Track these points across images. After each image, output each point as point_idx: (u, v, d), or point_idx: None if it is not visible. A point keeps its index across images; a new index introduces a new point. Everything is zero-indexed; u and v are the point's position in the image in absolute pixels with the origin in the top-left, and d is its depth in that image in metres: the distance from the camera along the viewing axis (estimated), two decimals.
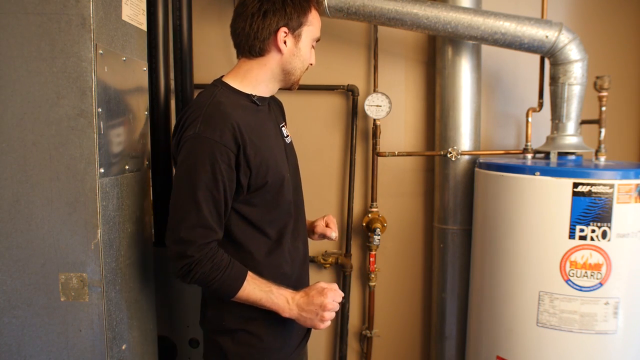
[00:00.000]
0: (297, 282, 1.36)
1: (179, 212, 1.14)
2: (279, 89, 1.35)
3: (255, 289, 1.18)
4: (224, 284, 1.15)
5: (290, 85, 1.32)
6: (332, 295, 1.21)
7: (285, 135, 1.39)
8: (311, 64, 1.32)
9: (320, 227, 1.50)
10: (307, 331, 1.44)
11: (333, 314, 1.23)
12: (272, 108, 1.38)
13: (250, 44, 1.23)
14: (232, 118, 1.15)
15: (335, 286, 1.24)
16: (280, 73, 1.27)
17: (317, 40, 1.31)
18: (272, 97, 1.42)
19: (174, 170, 1.65)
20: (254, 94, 1.27)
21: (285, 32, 1.22)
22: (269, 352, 1.29)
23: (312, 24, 1.27)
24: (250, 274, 1.19)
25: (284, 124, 1.42)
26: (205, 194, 1.13)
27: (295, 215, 1.34)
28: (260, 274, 1.22)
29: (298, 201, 1.39)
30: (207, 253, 1.14)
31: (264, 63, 1.25)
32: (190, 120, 1.16)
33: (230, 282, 1.16)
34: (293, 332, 1.33)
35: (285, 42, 1.23)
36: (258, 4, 1.21)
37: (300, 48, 1.25)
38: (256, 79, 1.27)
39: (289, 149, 1.38)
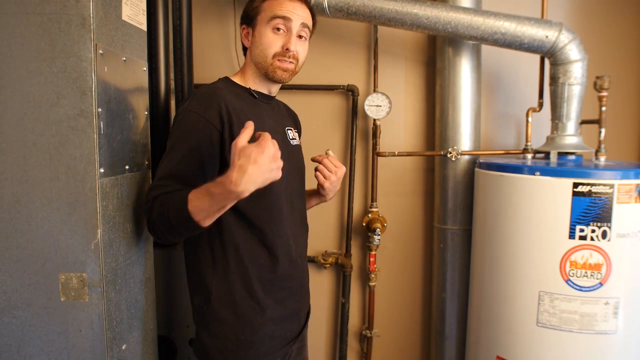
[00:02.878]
0: (285, 280, 1.32)
1: (157, 168, 1.21)
2: (268, 82, 1.34)
3: (200, 189, 1.08)
4: (174, 208, 1.09)
5: (268, 75, 1.30)
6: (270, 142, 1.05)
7: (291, 138, 1.42)
8: (287, 49, 1.27)
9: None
10: (298, 335, 1.38)
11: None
12: (280, 111, 1.45)
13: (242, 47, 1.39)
14: (221, 98, 1.22)
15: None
16: (253, 66, 1.34)
17: (280, 19, 1.27)
18: (285, 106, 1.52)
19: None
20: (253, 89, 1.34)
21: (244, 28, 1.35)
22: (247, 344, 1.26)
23: (264, 10, 1.30)
24: (190, 194, 1.09)
25: (290, 128, 1.45)
26: (176, 160, 1.17)
27: (288, 212, 1.33)
28: (242, 258, 1.25)
29: (294, 204, 1.37)
30: (154, 203, 1.14)
31: (246, 62, 1.38)
32: (185, 100, 1.28)
33: (175, 203, 1.09)
34: (280, 328, 1.30)
35: (248, 38, 1.34)
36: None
37: (255, 36, 1.31)
38: (247, 76, 1.37)
39: (292, 151, 1.39)
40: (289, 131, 1.42)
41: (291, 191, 1.35)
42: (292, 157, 1.37)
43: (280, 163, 1.06)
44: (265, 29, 1.29)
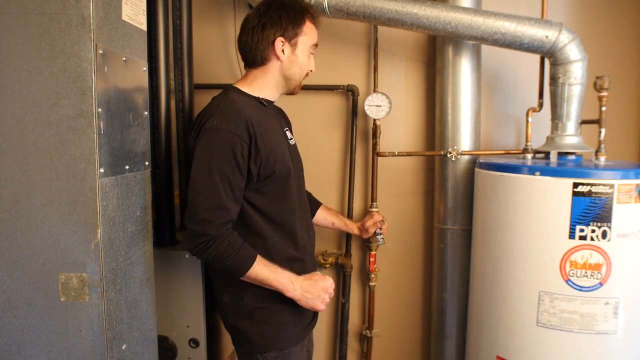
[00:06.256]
0: (308, 269, 1.48)
1: (199, 195, 1.27)
2: (283, 94, 1.49)
3: (264, 268, 1.31)
4: (237, 262, 1.28)
5: (292, 90, 1.47)
6: (332, 283, 1.42)
7: (289, 138, 1.52)
8: (311, 71, 1.47)
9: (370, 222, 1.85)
10: (315, 314, 1.55)
11: (329, 299, 1.41)
12: (277, 113, 1.53)
13: (253, 54, 1.40)
14: (245, 113, 1.31)
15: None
16: (281, 79, 1.43)
17: (315, 47, 1.46)
18: (276, 106, 1.58)
19: (178, 170, 1.66)
20: (260, 97, 1.43)
21: (282, 41, 1.39)
22: (284, 326, 1.41)
23: (307, 34, 1.42)
24: (259, 256, 1.32)
25: (287, 129, 1.56)
26: (222, 178, 1.26)
27: (300, 209, 1.47)
28: (270, 255, 1.35)
29: (302, 199, 1.51)
30: (224, 232, 1.26)
31: (266, 71, 1.42)
32: (209, 115, 1.32)
33: (242, 261, 1.28)
34: (304, 310, 1.44)
35: (283, 51, 1.39)
36: (257, 18, 1.39)
37: (297, 55, 1.41)
38: (261, 85, 1.44)
39: (293, 151, 1.51)
40: (287, 132, 1.53)
41: (298, 188, 1.48)
42: (294, 156, 1.49)
43: (326, 299, 1.40)
44: (306, 51, 1.43)
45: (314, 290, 1.37)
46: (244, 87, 1.43)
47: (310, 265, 1.52)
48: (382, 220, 1.87)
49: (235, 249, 1.27)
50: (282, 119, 1.58)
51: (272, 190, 1.37)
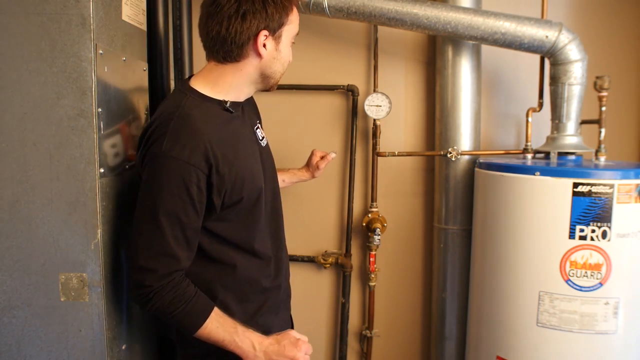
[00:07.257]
0: (285, 293, 1.34)
1: (141, 237, 1.05)
2: (257, 91, 1.26)
3: (219, 327, 1.09)
4: (185, 318, 1.07)
5: (269, 88, 1.22)
6: (305, 349, 1.14)
7: (261, 138, 1.29)
8: (289, 61, 1.22)
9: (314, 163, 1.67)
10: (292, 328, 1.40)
11: None
12: (245, 111, 1.26)
13: (226, 49, 1.10)
14: (203, 134, 1.06)
15: (306, 338, 1.17)
16: (258, 77, 1.17)
17: (297, 35, 1.21)
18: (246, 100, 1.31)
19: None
20: (226, 100, 1.16)
21: (266, 35, 1.11)
22: None
23: (292, 22, 1.16)
24: (216, 311, 1.10)
25: (258, 125, 1.33)
26: (171, 219, 1.03)
27: (275, 224, 1.29)
28: (241, 288, 1.18)
29: (276, 207, 1.32)
30: (168, 283, 1.05)
31: (239, 68, 1.14)
32: (157, 135, 1.05)
33: (191, 317, 1.07)
34: None
35: (265, 46, 1.11)
36: (235, 4, 1.07)
37: (280, 50, 1.15)
38: (230, 85, 1.16)
39: (265, 154, 1.29)
40: (257, 131, 1.30)
41: (272, 197, 1.30)
42: (265, 161, 1.28)
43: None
44: (289, 42, 1.18)
45: (280, 359, 1.11)
46: (206, 88, 1.14)
47: (286, 291, 1.36)
48: (331, 153, 1.72)
49: (183, 302, 1.05)
50: (253, 113, 1.32)
51: (239, 216, 1.15)
